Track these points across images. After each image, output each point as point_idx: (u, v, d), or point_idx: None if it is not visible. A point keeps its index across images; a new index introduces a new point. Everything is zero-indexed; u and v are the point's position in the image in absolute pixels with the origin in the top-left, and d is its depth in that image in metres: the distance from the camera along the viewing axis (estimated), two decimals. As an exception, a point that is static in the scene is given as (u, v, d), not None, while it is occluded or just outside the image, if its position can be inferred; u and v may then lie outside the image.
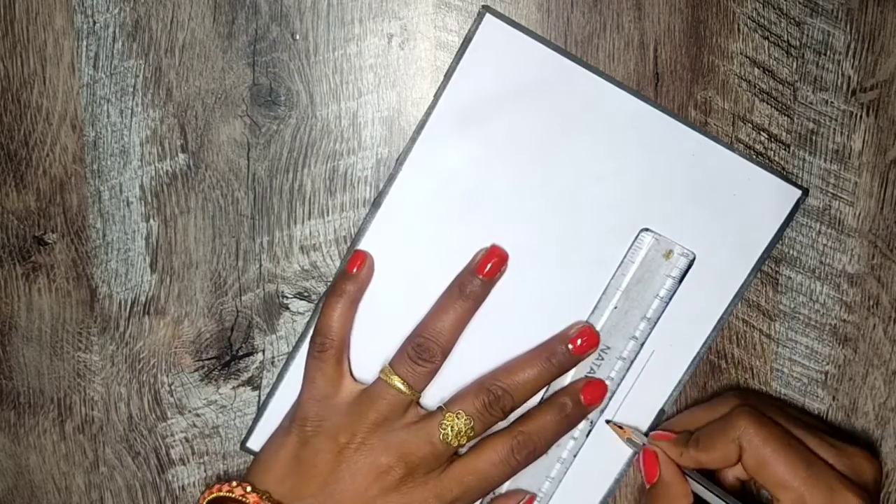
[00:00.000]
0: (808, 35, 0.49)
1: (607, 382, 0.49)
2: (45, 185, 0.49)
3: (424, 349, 0.47)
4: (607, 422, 0.49)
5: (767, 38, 0.49)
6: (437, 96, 0.48)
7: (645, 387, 0.49)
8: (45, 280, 0.50)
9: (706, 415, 0.47)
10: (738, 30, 0.49)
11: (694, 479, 0.46)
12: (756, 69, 0.49)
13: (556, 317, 0.49)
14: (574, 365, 0.48)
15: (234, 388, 0.51)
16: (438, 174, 0.48)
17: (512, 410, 0.47)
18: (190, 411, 0.51)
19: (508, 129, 0.48)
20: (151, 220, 0.49)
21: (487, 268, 0.47)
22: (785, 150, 0.50)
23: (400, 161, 0.48)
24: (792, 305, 0.51)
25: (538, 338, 0.49)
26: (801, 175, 0.50)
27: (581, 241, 0.49)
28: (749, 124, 0.49)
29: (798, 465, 0.43)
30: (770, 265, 0.50)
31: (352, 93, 0.49)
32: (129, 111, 0.49)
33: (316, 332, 0.48)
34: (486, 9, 0.47)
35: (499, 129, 0.48)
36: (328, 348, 0.47)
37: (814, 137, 0.50)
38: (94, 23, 0.48)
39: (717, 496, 0.45)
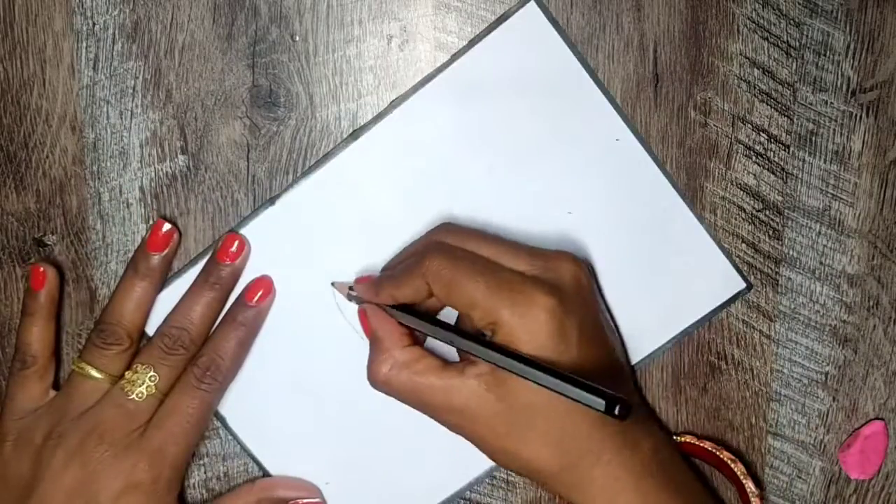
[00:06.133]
0: (807, 36, 0.49)
1: None
2: (44, 187, 0.49)
3: (108, 334, 0.47)
4: (332, 284, 0.49)
5: (767, 39, 0.49)
6: (447, 63, 0.48)
7: None
8: (44, 282, 0.50)
9: (416, 247, 0.48)
10: (738, 31, 0.49)
11: (405, 316, 0.46)
12: (756, 70, 0.49)
13: None
14: (237, 274, 0.49)
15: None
16: (408, 141, 0.48)
17: (195, 343, 0.47)
18: (190, 413, 0.51)
19: (500, 118, 0.48)
20: (151, 222, 0.49)
21: (155, 246, 0.48)
22: (784, 150, 0.50)
23: (382, 114, 0.48)
24: (792, 306, 0.50)
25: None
26: (800, 175, 0.50)
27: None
28: (749, 125, 0.49)
29: (480, 279, 0.43)
30: (770, 266, 0.50)
31: (351, 94, 0.49)
32: (129, 113, 0.49)
33: (16, 349, 0.48)
34: None
35: (490, 115, 0.48)
36: (30, 365, 0.47)
37: (813, 138, 0.50)
38: (94, 24, 0.48)
39: (432, 326, 0.45)
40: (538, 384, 0.40)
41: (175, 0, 0.48)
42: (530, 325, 0.42)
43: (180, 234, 0.49)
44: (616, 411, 0.38)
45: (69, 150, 0.49)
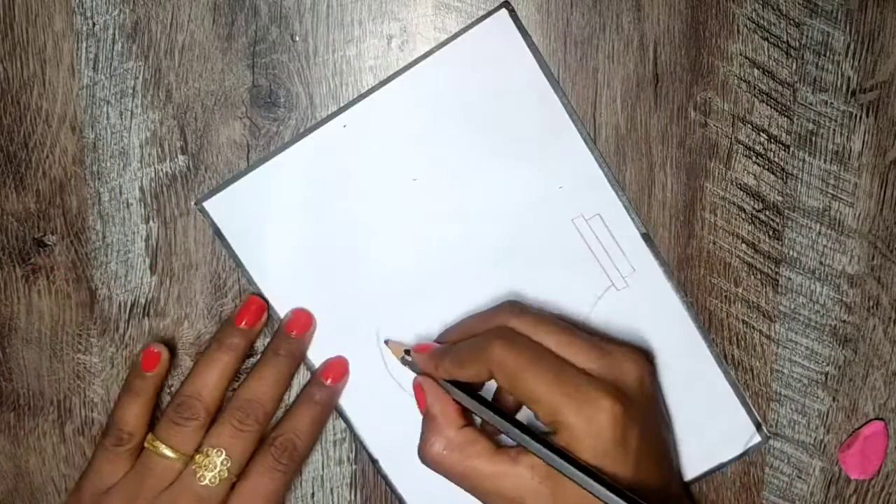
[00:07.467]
0: (807, 36, 0.49)
1: None
2: (44, 187, 0.49)
3: (186, 407, 0.47)
4: (386, 342, 0.49)
5: (767, 39, 0.49)
6: (413, 63, 0.48)
7: None
8: (44, 282, 0.50)
9: (479, 324, 0.47)
10: (738, 31, 0.49)
11: (465, 398, 0.45)
12: (756, 70, 0.49)
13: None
14: (305, 346, 0.49)
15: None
16: (362, 139, 0.49)
17: (268, 416, 0.48)
18: (190, 413, 0.51)
19: (458, 125, 0.48)
20: (151, 222, 0.49)
21: (244, 319, 0.48)
22: (784, 150, 0.50)
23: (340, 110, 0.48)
24: (792, 306, 0.51)
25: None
26: (800, 176, 0.50)
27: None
28: (749, 125, 0.49)
29: (545, 375, 0.43)
30: (770, 266, 0.50)
31: (351, 94, 0.49)
32: (129, 113, 0.49)
33: (112, 422, 0.48)
34: (506, 5, 0.48)
35: (450, 120, 0.48)
36: (125, 443, 0.47)
37: (813, 138, 0.50)
38: (94, 24, 0.48)
39: (491, 414, 0.44)
40: (593, 494, 0.40)
41: (175, 0, 0.48)
42: (594, 430, 0.42)
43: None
44: None
45: (69, 150, 0.49)
